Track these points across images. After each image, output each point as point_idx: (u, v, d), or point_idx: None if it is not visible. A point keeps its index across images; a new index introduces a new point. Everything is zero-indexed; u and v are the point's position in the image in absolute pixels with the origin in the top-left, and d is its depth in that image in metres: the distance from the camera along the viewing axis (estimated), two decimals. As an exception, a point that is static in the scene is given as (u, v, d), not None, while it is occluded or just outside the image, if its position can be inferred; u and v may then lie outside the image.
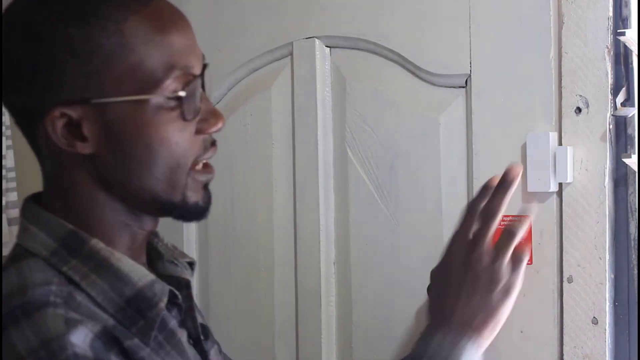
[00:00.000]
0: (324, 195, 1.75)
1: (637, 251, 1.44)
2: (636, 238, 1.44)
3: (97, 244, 1.02)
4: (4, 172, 2.09)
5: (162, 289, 1.04)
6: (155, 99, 0.99)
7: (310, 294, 1.76)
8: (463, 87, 1.58)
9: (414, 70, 1.63)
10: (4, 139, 2.09)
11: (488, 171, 1.52)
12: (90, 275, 1.00)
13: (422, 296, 1.56)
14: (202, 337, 1.14)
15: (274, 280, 1.82)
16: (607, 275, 1.43)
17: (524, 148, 1.49)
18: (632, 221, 1.45)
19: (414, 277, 1.62)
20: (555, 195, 1.48)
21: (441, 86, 1.61)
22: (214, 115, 1.06)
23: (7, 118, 2.11)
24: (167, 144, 1.01)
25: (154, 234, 1.17)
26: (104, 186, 1.03)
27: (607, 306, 1.44)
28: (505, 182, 1.20)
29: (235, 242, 1.87)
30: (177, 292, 1.07)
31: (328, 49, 1.74)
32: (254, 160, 1.83)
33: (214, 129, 1.06)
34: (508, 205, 1.49)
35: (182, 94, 1.01)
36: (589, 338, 1.45)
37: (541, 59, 1.48)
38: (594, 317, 1.44)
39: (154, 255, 1.17)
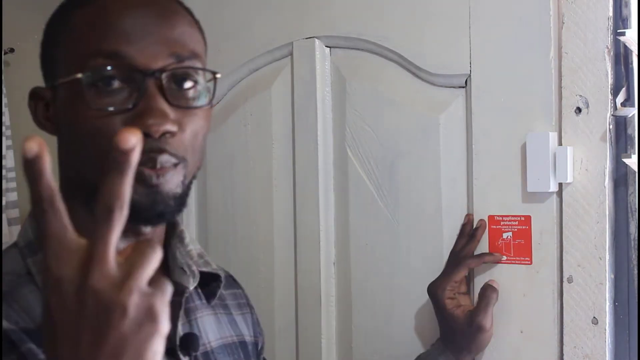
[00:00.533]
0: (324, 195, 1.75)
1: (637, 251, 1.44)
2: (636, 238, 1.44)
3: None
4: (4, 172, 2.09)
5: None
6: (80, 77, 0.98)
7: (310, 294, 1.76)
8: (463, 87, 1.58)
9: (414, 70, 1.63)
10: (4, 139, 2.09)
11: (488, 171, 1.53)
12: None
13: (422, 296, 1.56)
14: (177, 348, 1.09)
15: (274, 280, 1.82)
16: (607, 275, 1.43)
17: (523, 148, 1.48)
18: (632, 221, 1.45)
19: (414, 277, 1.62)
20: (555, 195, 1.48)
21: (441, 86, 1.61)
22: (151, 115, 0.97)
23: (7, 118, 2.11)
24: (88, 129, 0.99)
25: (179, 240, 1.16)
26: (71, 176, 1.07)
27: (607, 306, 1.44)
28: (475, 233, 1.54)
29: (235, 242, 1.87)
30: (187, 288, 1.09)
31: (328, 49, 1.74)
32: (254, 160, 1.83)
33: (144, 126, 0.96)
34: (508, 206, 1.49)
35: (79, 75, 0.98)
36: (589, 338, 1.45)
37: (541, 59, 1.48)
38: (594, 317, 1.44)
39: (170, 260, 1.16)
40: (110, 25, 1.00)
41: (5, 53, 2.21)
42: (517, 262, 1.51)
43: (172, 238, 1.16)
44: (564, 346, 1.47)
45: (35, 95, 1.07)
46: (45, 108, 1.06)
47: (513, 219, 1.52)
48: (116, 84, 0.98)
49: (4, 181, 2.09)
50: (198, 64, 1.04)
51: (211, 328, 1.19)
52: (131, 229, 1.00)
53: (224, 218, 1.87)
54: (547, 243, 1.49)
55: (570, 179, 1.45)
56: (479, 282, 1.54)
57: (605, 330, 1.44)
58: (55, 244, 0.70)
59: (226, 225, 1.87)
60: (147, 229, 1.05)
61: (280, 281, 1.81)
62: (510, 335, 1.51)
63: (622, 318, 1.46)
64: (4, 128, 2.10)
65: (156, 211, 0.99)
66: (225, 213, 1.87)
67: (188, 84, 1.02)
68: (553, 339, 1.48)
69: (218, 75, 1.05)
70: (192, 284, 1.15)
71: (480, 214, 1.55)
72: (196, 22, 1.09)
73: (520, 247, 1.51)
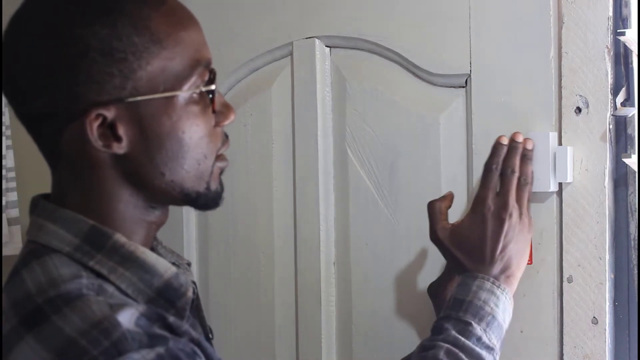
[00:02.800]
0: (324, 195, 1.74)
1: (637, 251, 1.44)
2: (636, 238, 1.43)
3: (120, 238, 1.04)
4: (4, 172, 2.08)
5: (187, 280, 1.07)
6: (185, 94, 1.02)
7: (310, 294, 1.75)
8: (463, 87, 1.58)
9: (414, 70, 1.63)
10: (4, 139, 2.09)
11: (488, 171, 1.52)
12: (117, 268, 1.02)
13: (422, 296, 1.56)
14: (210, 335, 1.18)
15: (274, 280, 1.81)
16: (607, 275, 1.43)
17: (524, 148, 1.48)
18: (632, 221, 1.44)
19: (414, 277, 1.62)
20: (555, 195, 1.48)
21: (441, 86, 1.60)
22: (227, 108, 1.10)
23: (7, 118, 2.11)
24: (197, 137, 1.04)
25: (154, 237, 1.18)
26: (130, 183, 1.05)
27: (607, 306, 1.44)
28: (514, 143, 1.41)
29: (235, 242, 1.86)
30: (196, 287, 1.12)
31: (328, 49, 1.74)
32: (254, 160, 1.83)
33: (229, 120, 1.10)
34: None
35: (212, 87, 1.05)
36: (589, 338, 1.44)
37: (541, 59, 1.48)
38: (594, 317, 1.44)
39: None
40: (192, 33, 1.05)
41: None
42: (517, 262, 1.51)
43: None
44: (564, 346, 1.47)
45: (89, 116, 0.99)
46: (109, 128, 1.01)
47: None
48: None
49: (4, 181, 2.08)
50: None
51: None
52: (151, 217, 1.09)
53: (223, 218, 1.86)
54: (547, 243, 1.48)
55: (570, 179, 1.45)
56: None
57: (605, 330, 1.43)
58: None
59: (226, 225, 1.87)
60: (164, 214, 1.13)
61: (280, 281, 1.80)
62: (510, 335, 1.50)
63: (622, 318, 1.46)
64: (4, 128, 2.09)
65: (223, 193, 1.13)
66: (225, 213, 1.86)
67: None
68: (553, 339, 1.48)
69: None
70: (192, 277, 1.21)
71: (480, 213, 1.55)
72: None
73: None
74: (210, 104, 1.06)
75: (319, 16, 1.73)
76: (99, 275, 1.01)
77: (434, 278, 1.55)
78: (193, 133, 1.04)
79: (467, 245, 1.37)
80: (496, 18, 1.53)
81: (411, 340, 1.61)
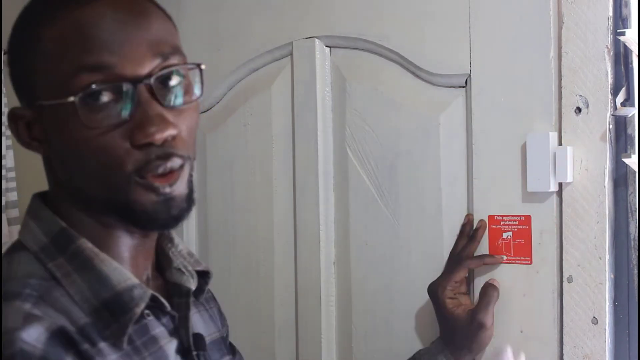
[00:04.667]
0: (324, 195, 1.75)
1: (637, 251, 1.43)
2: (636, 238, 1.43)
3: (83, 243, 1.03)
4: (4, 172, 2.08)
5: (142, 295, 1.02)
6: (73, 99, 0.96)
7: (311, 294, 1.76)
8: (463, 87, 1.58)
9: (414, 70, 1.63)
10: (4, 139, 2.09)
11: (488, 171, 1.53)
12: (72, 274, 1.01)
13: (422, 296, 1.56)
14: (192, 348, 1.11)
15: (274, 280, 1.82)
16: (607, 275, 1.43)
17: (523, 148, 1.48)
18: (632, 221, 1.44)
19: (414, 277, 1.62)
20: (555, 195, 1.48)
21: (441, 86, 1.61)
22: (142, 121, 0.97)
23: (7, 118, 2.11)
24: (97, 148, 0.97)
25: (168, 240, 1.17)
26: (61, 186, 1.06)
27: (607, 306, 1.44)
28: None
29: (235, 243, 1.87)
30: (163, 301, 1.06)
31: (328, 49, 1.74)
32: (254, 160, 1.83)
33: (145, 140, 0.97)
34: (508, 206, 1.49)
35: (71, 99, 0.96)
36: (589, 338, 1.44)
37: (541, 59, 1.48)
38: (594, 317, 1.44)
39: (164, 262, 1.17)
40: (87, 37, 0.97)
41: (5, 53, 2.20)
42: (517, 262, 1.51)
43: (161, 239, 1.17)
44: (564, 346, 1.47)
45: (14, 117, 1.05)
46: (27, 127, 1.04)
47: (513, 218, 1.51)
48: (107, 97, 0.97)
49: (4, 181, 2.08)
50: (181, 58, 1.03)
51: (201, 326, 1.20)
52: (139, 232, 1.07)
53: (224, 218, 1.87)
54: (547, 243, 1.48)
55: (570, 179, 1.45)
56: (479, 282, 1.54)
57: (605, 330, 1.43)
58: None
59: (226, 225, 1.87)
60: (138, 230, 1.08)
61: (280, 281, 1.81)
62: (510, 335, 1.51)
63: (622, 318, 1.46)
64: (4, 128, 2.09)
65: (172, 216, 1.02)
66: (225, 213, 1.87)
67: (175, 81, 1.01)
68: (553, 339, 1.48)
69: (203, 67, 1.04)
70: (193, 285, 1.16)
71: (481, 213, 1.55)
72: (164, 12, 1.06)
73: (520, 247, 1.51)
74: (82, 115, 0.97)
75: (319, 16, 1.73)
76: (54, 278, 1.00)
77: (433, 277, 1.55)
78: (89, 142, 0.97)
79: (459, 335, 1.50)
80: (496, 18, 1.53)
81: (411, 340, 1.62)
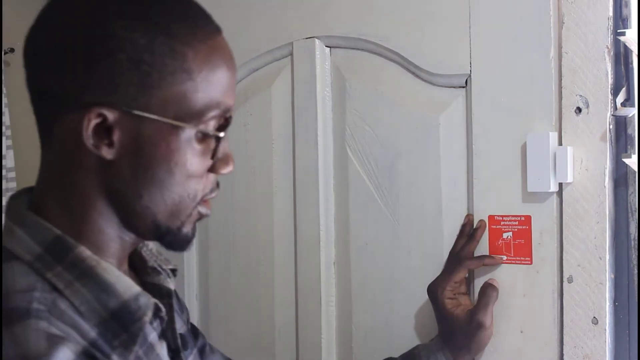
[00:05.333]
0: (324, 195, 1.74)
1: (637, 251, 1.43)
2: (636, 238, 1.43)
3: (83, 251, 1.00)
4: (4, 172, 2.08)
5: (147, 302, 1.02)
6: (192, 130, 0.99)
7: (311, 294, 1.75)
8: (463, 87, 1.57)
9: (414, 70, 1.63)
10: (4, 139, 2.08)
11: (488, 171, 1.52)
12: (74, 283, 0.98)
13: (422, 296, 1.56)
14: (180, 349, 1.12)
15: (274, 280, 1.82)
16: (607, 275, 1.43)
17: (524, 148, 1.48)
18: (632, 221, 1.44)
19: (414, 277, 1.62)
20: (555, 195, 1.47)
21: (441, 86, 1.60)
22: (228, 158, 1.06)
23: (7, 118, 2.11)
24: (188, 175, 1.00)
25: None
26: (108, 195, 1.01)
27: (607, 306, 1.43)
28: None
29: (235, 243, 1.87)
30: (161, 305, 1.06)
31: (328, 49, 1.74)
32: (254, 160, 1.83)
33: (225, 170, 1.06)
34: (508, 206, 1.49)
35: (221, 134, 1.02)
36: (589, 338, 1.44)
37: (541, 59, 1.47)
38: (594, 317, 1.43)
39: (137, 261, 1.16)
40: (228, 74, 1.02)
41: (5, 53, 2.20)
42: (517, 262, 1.51)
43: None
44: (564, 346, 1.47)
45: (90, 112, 0.96)
46: (103, 128, 0.97)
47: (513, 218, 1.51)
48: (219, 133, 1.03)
49: (4, 181, 2.08)
50: None
51: (178, 322, 1.19)
52: (126, 236, 1.05)
53: (224, 218, 1.87)
54: (547, 243, 1.48)
55: (570, 179, 1.45)
56: (479, 282, 1.54)
57: (605, 330, 1.43)
58: None
59: (226, 225, 1.87)
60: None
61: (281, 281, 1.81)
62: (510, 335, 1.51)
63: (622, 318, 1.45)
64: (4, 128, 2.09)
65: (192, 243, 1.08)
66: (225, 213, 1.87)
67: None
68: (553, 339, 1.48)
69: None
70: (172, 284, 1.16)
71: (480, 213, 1.55)
72: None
73: (521, 247, 1.50)
74: (213, 150, 1.03)
75: (319, 16, 1.73)
76: (55, 288, 0.96)
77: (433, 278, 1.55)
78: (185, 168, 1.00)
79: (458, 335, 1.50)
80: (496, 18, 1.53)
81: (411, 341, 1.61)
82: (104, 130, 0.97)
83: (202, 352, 1.30)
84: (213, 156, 1.03)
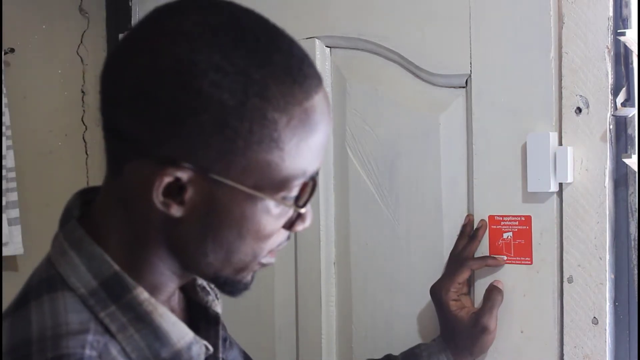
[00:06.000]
0: (324, 195, 1.74)
1: (637, 251, 1.43)
2: (636, 238, 1.43)
3: (141, 293, 0.94)
4: (4, 172, 2.07)
5: (199, 351, 0.98)
6: (271, 200, 0.91)
7: (311, 294, 1.75)
8: (463, 87, 1.57)
9: (414, 70, 1.62)
10: (4, 139, 2.08)
11: (488, 171, 1.52)
12: (128, 328, 0.93)
13: (422, 296, 1.56)
14: None
15: (274, 280, 1.81)
16: (607, 275, 1.43)
17: (524, 148, 1.48)
18: (632, 221, 1.44)
19: (414, 277, 1.62)
20: (555, 195, 1.47)
21: (441, 86, 1.60)
22: (306, 213, 0.97)
23: (7, 118, 2.10)
24: (260, 239, 0.94)
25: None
26: (172, 246, 0.95)
27: (607, 306, 1.43)
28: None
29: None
30: (209, 347, 1.00)
31: (328, 49, 1.74)
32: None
33: (302, 227, 0.98)
34: (508, 206, 1.48)
35: (303, 211, 0.95)
36: (589, 338, 1.44)
37: (541, 59, 1.47)
38: (594, 317, 1.43)
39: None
40: (312, 142, 0.91)
41: (5, 53, 2.19)
42: (517, 262, 1.51)
43: None
44: (564, 346, 1.47)
45: (165, 172, 0.88)
46: (176, 186, 0.89)
47: (513, 219, 1.51)
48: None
49: (4, 181, 2.07)
50: None
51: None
52: (185, 276, 1.00)
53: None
54: (547, 243, 1.48)
55: (570, 179, 1.44)
56: (480, 283, 1.54)
57: (605, 330, 1.43)
58: None
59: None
60: None
61: (281, 281, 1.80)
62: (511, 336, 1.50)
63: (622, 318, 1.45)
64: (4, 128, 2.08)
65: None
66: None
67: None
68: (553, 339, 1.48)
69: None
70: (219, 307, 1.12)
71: (481, 213, 1.55)
72: None
73: (521, 247, 1.50)
74: (291, 218, 0.96)
75: (319, 16, 1.73)
76: (107, 330, 0.92)
77: (434, 278, 1.55)
78: (258, 233, 0.93)
79: (461, 337, 1.50)
80: (496, 18, 1.52)
81: (411, 341, 1.61)
82: (176, 188, 0.89)
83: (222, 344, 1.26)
84: (291, 220, 0.96)
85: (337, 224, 1.75)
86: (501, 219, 1.52)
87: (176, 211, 0.90)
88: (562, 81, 1.46)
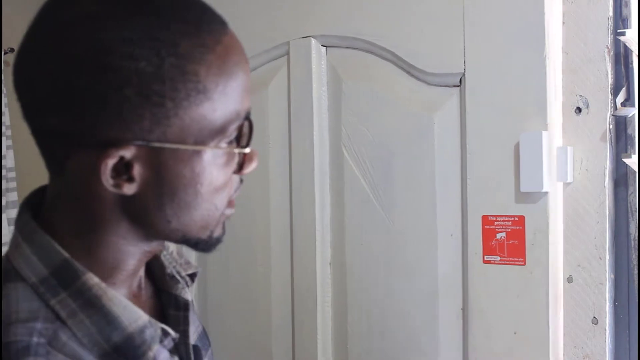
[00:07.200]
0: (320, 195, 1.69)
1: (637, 251, 1.41)
2: (636, 238, 1.41)
3: (90, 279, 0.90)
4: (4, 172, 2.06)
5: (153, 334, 0.94)
6: (215, 149, 0.89)
7: (307, 294, 1.71)
8: (457, 85, 1.51)
9: (409, 69, 1.56)
10: (4, 139, 2.06)
11: (482, 171, 1.46)
12: (78, 313, 0.89)
13: (417, 296, 1.49)
14: None
15: (271, 280, 1.77)
16: (607, 275, 1.40)
17: (517, 147, 1.42)
18: (632, 221, 1.42)
19: (409, 277, 1.57)
20: (548, 195, 1.40)
21: (436, 85, 1.54)
22: (252, 154, 0.95)
23: (7, 118, 2.07)
24: (216, 190, 0.91)
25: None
26: (130, 220, 0.91)
27: (607, 306, 1.41)
28: None
29: (235, 243, 1.82)
30: (170, 332, 0.97)
31: (324, 48, 1.68)
32: (253, 160, 1.77)
33: (251, 168, 0.95)
34: (501, 206, 1.42)
35: (247, 150, 0.92)
36: (589, 338, 1.41)
37: (535, 58, 1.41)
38: (594, 317, 1.41)
39: (156, 267, 1.07)
40: (236, 83, 0.89)
41: (5, 53, 2.17)
42: (511, 262, 1.45)
43: None
44: (564, 346, 1.43)
45: (107, 155, 0.85)
46: (122, 165, 0.86)
47: (507, 219, 1.45)
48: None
49: (4, 181, 2.06)
50: None
51: (192, 325, 1.10)
52: (147, 248, 0.96)
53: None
54: (540, 243, 1.42)
55: (570, 179, 1.41)
56: (472, 284, 1.48)
57: (605, 330, 1.40)
58: None
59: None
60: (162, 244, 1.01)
61: (278, 281, 1.76)
62: (504, 337, 1.44)
63: (622, 318, 1.43)
64: (4, 128, 2.06)
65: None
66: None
67: None
68: (546, 340, 1.42)
69: None
70: (190, 295, 1.07)
71: (474, 213, 1.48)
72: None
73: (514, 248, 1.44)
74: (239, 157, 0.93)
75: (315, 15, 1.67)
76: (58, 317, 0.88)
77: (428, 278, 1.49)
78: (212, 185, 0.90)
79: None
80: (490, 17, 1.46)
81: (405, 340, 1.55)
82: (122, 167, 0.86)
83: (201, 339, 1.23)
84: (239, 164, 0.93)
85: (332, 224, 1.69)
86: (495, 219, 1.46)
87: (129, 189, 0.87)
88: (562, 81, 1.41)
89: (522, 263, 1.42)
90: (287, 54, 1.71)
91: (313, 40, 1.67)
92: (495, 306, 1.44)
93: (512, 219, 1.44)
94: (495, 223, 1.46)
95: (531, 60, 1.42)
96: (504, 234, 1.45)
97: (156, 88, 0.83)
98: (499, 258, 1.45)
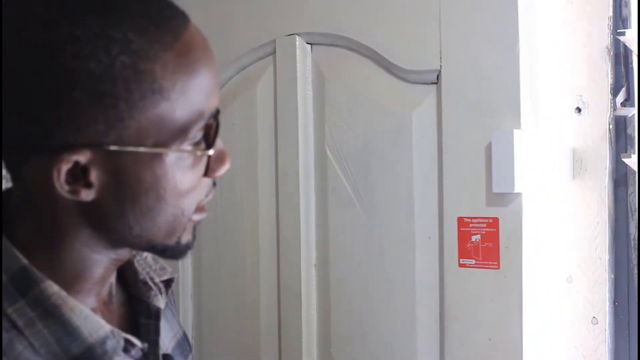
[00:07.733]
0: (305, 196, 1.65)
1: (637, 251, 1.40)
2: (636, 238, 1.40)
3: (50, 286, 0.85)
4: (4, 172, 1.97)
5: (115, 345, 0.88)
6: (177, 151, 0.83)
7: (292, 296, 1.67)
8: (435, 83, 1.47)
9: (388, 66, 1.53)
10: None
11: (457, 171, 1.43)
12: (36, 323, 0.84)
13: (396, 298, 1.46)
14: None
15: (260, 281, 1.72)
16: (607, 275, 1.40)
17: (489, 147, 1.38)
18: (632, 221, 1.42)
19: (388, 280, 1.53)
20: (521, 197, 1.36)
21: (414, 83, 1.50)
22: (224, 155, 0.89)
23: None
24: (179, 194, 0.84)
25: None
26: (91, 226, 0.86)
27: (607, 306, 1.41)
28: None
29: (224, 245, 1.77)
30: (136, 342, 0.91)
31: (309, 46, 1.64)
32: (241, 160, 1.73)
33: (223, 170, 0.89)
34: (476, 207, 1.36)
35: (210, 152, 0.85)
36: (588, 338, 1.41)
37: (508, 55, 1.38)
38: (594, 317, 1.41)
39: (129, 273, 1.01)
40: (198, 81, 0.82)
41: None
42: (485, 266, 1.41)
43: None
44: (564, 346, 1.42)
45: (60, 160, 0.79)
46: (78, 171, 0.80)
47: (482, 220, 1.41)
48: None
49: (4, 181, 1.97)
50: None
51: (165, 330, 1.05)
52: (114, 256, 0.90)
53: (214, 222, 1.77)
54: (514, 246, 1.38)
55: (570, 179, 1.40)
56: (448, 289, 1.44)
57: (605, 330, 1.40)
58: None
59: (216, 227, 1.78)
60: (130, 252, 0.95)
61: (265, 282, 1.72)
62: (478, 343, 1.41)
63: (622, 318, 1.43)
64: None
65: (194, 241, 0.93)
66: (214, 217, 1.77)
67: None
68: (519, 347, 1.37)
69: None
70: (162, 302, 1.01)
71: (450, 214, 1.45)
72: None
73: (489, 251, 1.40)
74: (206, 158, 0.87)
75: (299, 12, 1.62)
76: (15, 326, 0.83)
77: (405, 280, 1.46)
78: (176, 190, 0.84)
79: None
80: (465, 14, 1.43)
81: (387, 342, 1.52)
82: (79, 172, 0.81)
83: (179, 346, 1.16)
84: (208, 166, 0.87)
85: (317, 226, 1.64)
86: (470, 220, 1.42)
87: (86, 195, 0.81)
88: (562, 81, 1.40)
89: (497, 267, 1.39)
90: (274, 52, 1.66)
91: (298, 38, 1.62)
92: (470, 312, 1.40)
93: (487, 220, 1.40)
94: (471, 225, 1.42)
95: (504, 57, 1.38)
96: (479, 237, 1.41)
97: (108, 89, 0.77)
98: (474, 262, 1.41)
